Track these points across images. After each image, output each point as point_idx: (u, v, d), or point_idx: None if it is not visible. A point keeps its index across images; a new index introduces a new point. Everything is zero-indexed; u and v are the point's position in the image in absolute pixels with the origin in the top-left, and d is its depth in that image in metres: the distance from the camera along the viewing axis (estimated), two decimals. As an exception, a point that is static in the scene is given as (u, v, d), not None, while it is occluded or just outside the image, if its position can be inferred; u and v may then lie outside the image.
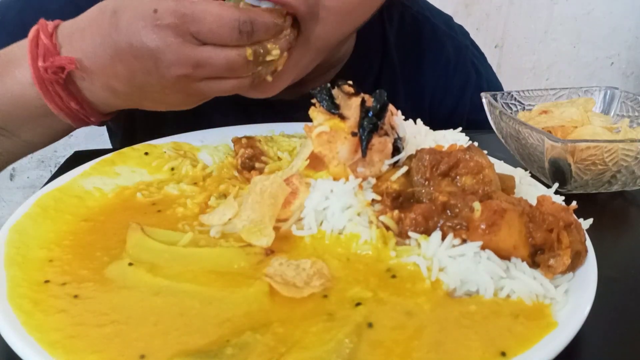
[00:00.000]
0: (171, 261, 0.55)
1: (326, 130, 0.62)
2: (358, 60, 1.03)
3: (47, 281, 0.52)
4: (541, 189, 0.70)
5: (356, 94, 0.64)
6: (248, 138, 0.77)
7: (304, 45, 0.74)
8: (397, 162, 0.64)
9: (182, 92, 0.69)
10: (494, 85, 1.18)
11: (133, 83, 0.68)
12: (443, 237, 0.55)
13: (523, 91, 0.97)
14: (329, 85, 0.64)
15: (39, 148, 0.84)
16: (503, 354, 0.44)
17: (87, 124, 0.77)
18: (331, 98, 0.63)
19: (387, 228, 0.58)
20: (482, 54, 1.19)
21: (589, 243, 0.57)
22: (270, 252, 0.56)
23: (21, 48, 0.70)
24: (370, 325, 0.47)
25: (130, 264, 0.54)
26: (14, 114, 0.73)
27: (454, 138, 0.75)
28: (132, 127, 1.03)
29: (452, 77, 1.10)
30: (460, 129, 0.78)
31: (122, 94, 0.71)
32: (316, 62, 0.81)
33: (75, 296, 0.50)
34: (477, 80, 1.12)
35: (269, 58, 0.67)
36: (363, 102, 0.63)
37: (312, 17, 0.72)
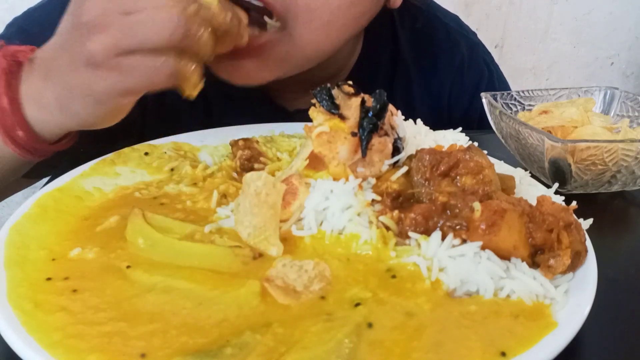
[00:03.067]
0: (165, 253, 0.55)
1: (326, 131, 0.62)
2: (367, 64, 1.04)
3: (49, 278, 0.52)
4: (541, 189, 0.70)
5: (356, 94, 0.64)
6: (245, 140, 0.77)
7: (288, 42, 0.77)
8: (397, 162, 0.64)
9: (111, 69, 0.61)
10: (504, 83, 1.20)
11: (61, 62, 0.64)
12: (443, 237, 0.55)
13: (523, 91, 0.97)
14: (329, 85, 0.64)
15: None
16: (503, 354, 0.44)
17: (16, 142, 0.69)
18: (331, 98, 0.63)
19: (387, 228, 0.58)
20: (490, 53, 1.21)
21: (589, 243, 0.57)
22: (258, 255, 0.56)
23: None
24: (370, 325, 0.47)
25: (128, 267, 0.54)
26: None
27: (454, 138, 0.75)
28: (142, 127, 1.03)
29: (466, 74, 1.12)
30: (460, 129, 0.78)
31: (51, 85, 0.65)
32: (307, 66, 0.84)
33: (75, 290, 0.50)
34: (489, 77, 1.15)
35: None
36: (363, 102, 0.63)
37: (291, 15, 0.75)
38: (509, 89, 1.20)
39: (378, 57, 1.06)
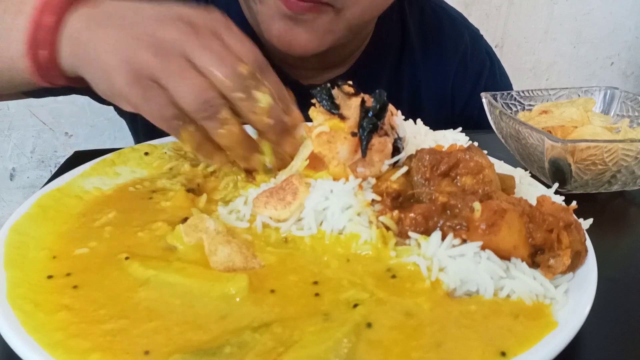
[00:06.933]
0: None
1: (326, 131, 0.62)
2: (377, 48, 1.10)
3: (50, 276, 0.52)
4: (541, 189, 0.70)
5: (356, 94, 0.64)
6: None
7: (333, 13, 0.84)
8: (397, 162, 0.64)
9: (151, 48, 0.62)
10: (504, 75, 1.25)
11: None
12: (443, 237, 0.55)
13: (523, 91, 0.97)
14: (329, 85, 0.64)
15: None
16: (503, 354, 0.44)
17: (37, 60, 0.68)
18: (331, 98, 0.63)
19: (387, 228, 0.58)
20: (491, 46, 1.26)
21: (589, 243, 0.57)
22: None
23: None
24: (369, 325, 0.47)
25: (126, 258, 0.54)
26: None
27: (454, 138, 0.75)
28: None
29: (469, 63, 1.17)
30: (460, 128, 0.78)
31: (86, 31, 0.66)
32: (349, 37, 0.92)
33: (75, 287, 0.51)
34: (491, 67, 1.20)
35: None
36: (363, 102, 0.63)
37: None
38: (509, 82, 1.24)
39: (388, 42, 1.11)
